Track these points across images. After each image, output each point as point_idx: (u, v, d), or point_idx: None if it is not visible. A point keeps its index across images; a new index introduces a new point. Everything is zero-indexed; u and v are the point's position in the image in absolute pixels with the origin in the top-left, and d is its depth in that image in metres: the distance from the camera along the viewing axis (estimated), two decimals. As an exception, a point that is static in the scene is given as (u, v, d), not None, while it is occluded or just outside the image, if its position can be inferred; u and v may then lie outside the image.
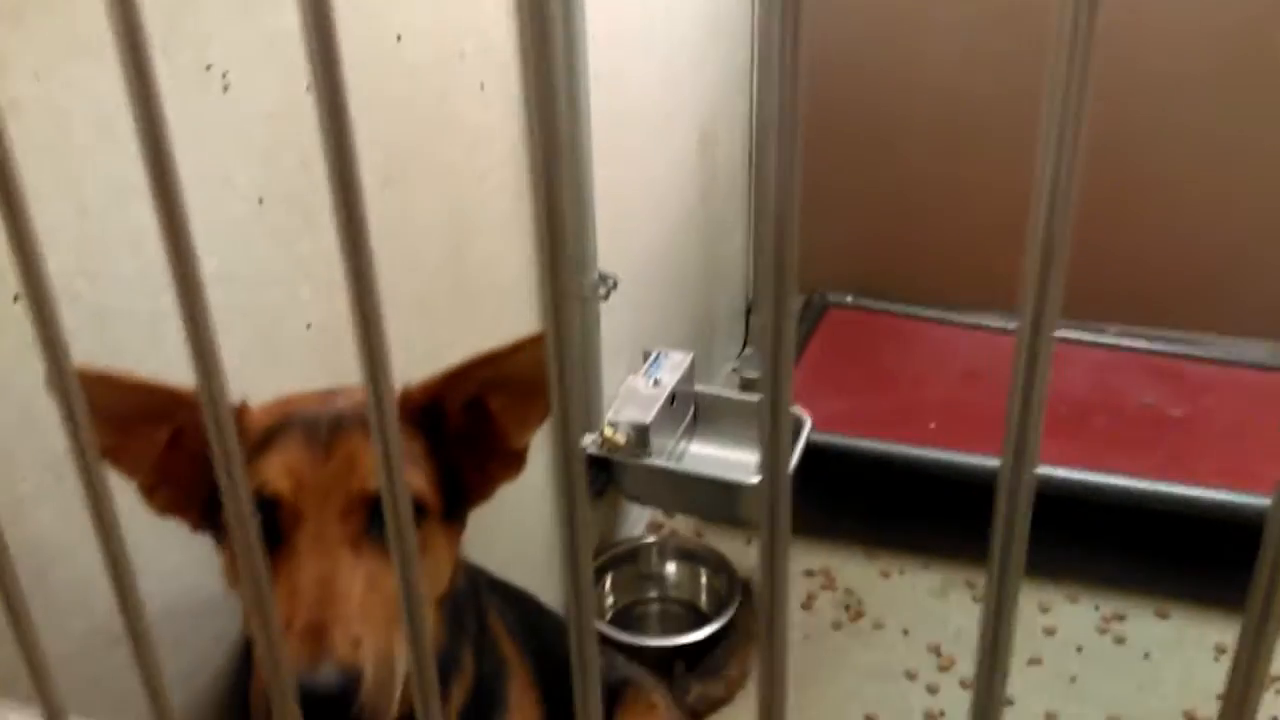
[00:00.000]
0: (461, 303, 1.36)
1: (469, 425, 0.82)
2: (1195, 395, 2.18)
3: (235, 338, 0.97)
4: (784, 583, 0.33)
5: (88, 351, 0.82)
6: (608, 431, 1.76)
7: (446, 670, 0.88)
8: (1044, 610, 1.85)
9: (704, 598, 1.93)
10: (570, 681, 1.15)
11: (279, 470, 0.72)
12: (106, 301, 0.82)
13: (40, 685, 0.42)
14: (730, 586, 1.85)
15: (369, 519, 0.74)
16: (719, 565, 1.91)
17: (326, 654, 0.66)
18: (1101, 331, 2.36)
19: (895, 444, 2.00)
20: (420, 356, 1.30)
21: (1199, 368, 2.26)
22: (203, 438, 0.77)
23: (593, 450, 1.78)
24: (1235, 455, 1.98)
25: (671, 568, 1.98)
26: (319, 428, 0.75)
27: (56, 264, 0.80)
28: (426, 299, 1.30)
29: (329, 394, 0.81)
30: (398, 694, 0.73)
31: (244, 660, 0.96)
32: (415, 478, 0.77)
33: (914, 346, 2.45)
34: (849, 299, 2.57)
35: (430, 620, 0.80)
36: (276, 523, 0.72)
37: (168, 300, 0.90)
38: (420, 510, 0.77)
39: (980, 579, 1.92)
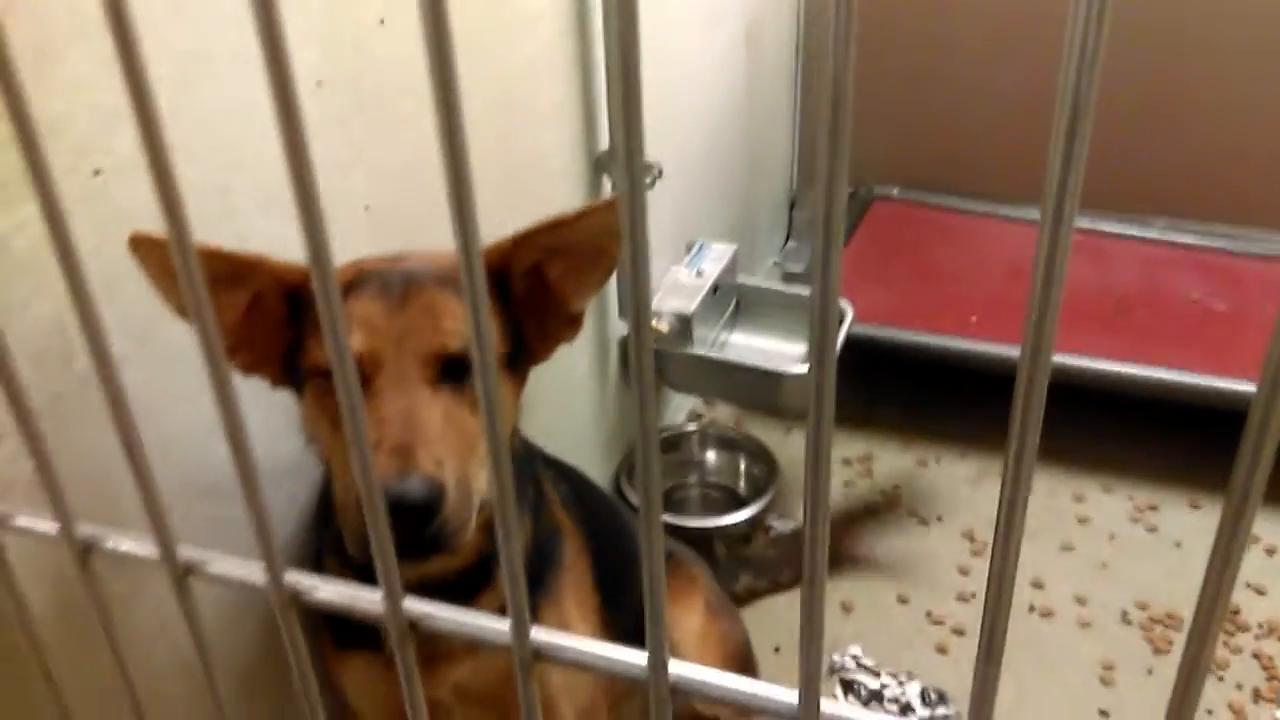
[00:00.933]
0: (509, 188, 1.39)
1: (531, 289, 0.85)
2: (1240, 290, 2.16)
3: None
4: (827, 473, 0.36)
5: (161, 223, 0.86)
6: (651, 320, 1.79)
7: None
8: (1078, 499, 1.89)
9: (742, 484, 1.98)
10: (617, 550, 1.22)
11: (358, 321, 0.77)
12: (180, 175, 0.85)
13: (154, 518, 0.47)
14: (769, 473, 1.90)
15: (441, 367, 0.78)
16: (758, 453, 1.96)
17: (414, 468, 0.71)
18: (1148, 226, 2.33)
19: (936, 336, 2.02)
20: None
21: (1246, 263, 2.24)
22: (278, 298, 0.82)
23: (636, 339, 1.82)
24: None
25: (711, 455, 2.03)
26: (392, 283, 0.79)
27: (131, 140, 0.84)
28: (475, 185, 1.32)
29: (397, 256, 0.85)
30: (474, 519, 0.78)
31: (321, 509, 1.02)
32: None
33: (959, 240, 2.44)
34: (895, 191, 2.56)
35: (508, 453, 0.85)
36: (358, 371, 0.77)
37: (239, 177, 0.94)
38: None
39: (1016, 468, 1.96)
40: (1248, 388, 1.83)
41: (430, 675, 0.94)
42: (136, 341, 0.85)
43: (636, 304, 0.36)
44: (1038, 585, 1.72)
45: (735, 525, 1.77)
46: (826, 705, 0.39)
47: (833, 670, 1.58)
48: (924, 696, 1.52)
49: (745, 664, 1.40)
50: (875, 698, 1.52)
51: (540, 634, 0.43)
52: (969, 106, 2.47)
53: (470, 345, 0.55)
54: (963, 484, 1.95)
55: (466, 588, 0.90)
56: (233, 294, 0.79)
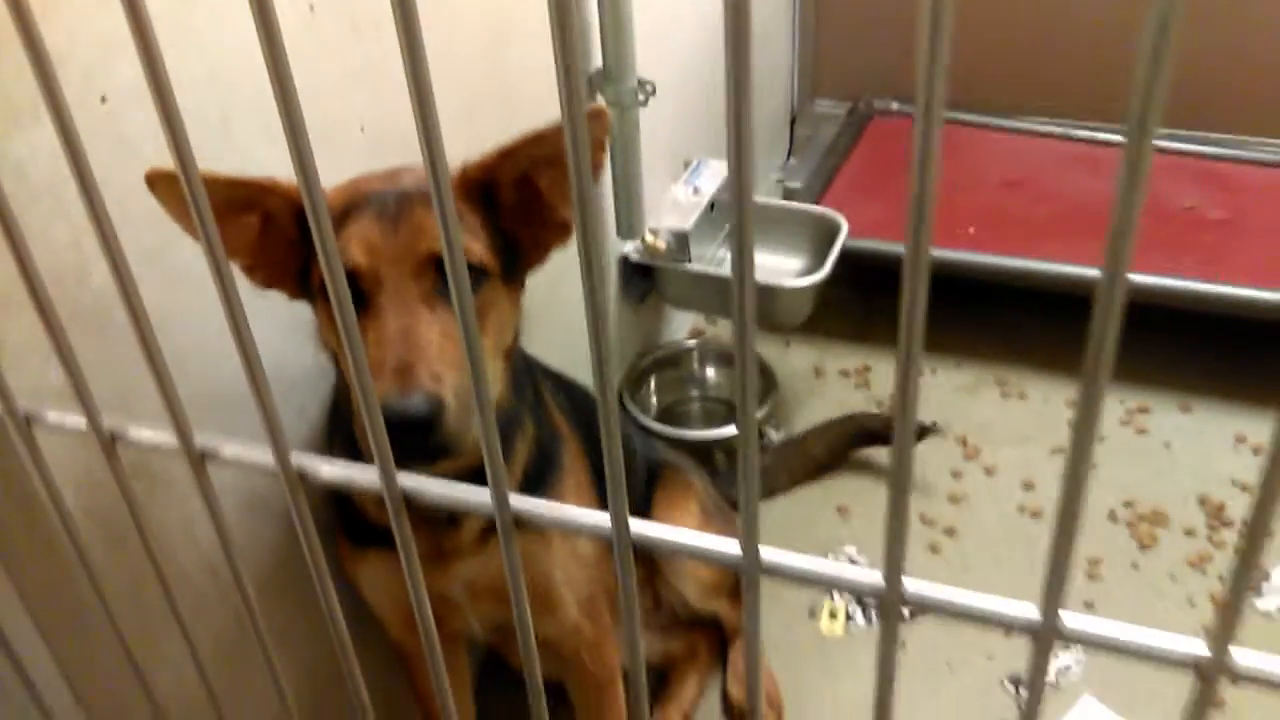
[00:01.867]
0: (503, 112, 1.42)
1: (521, 199, 0.89)
2: (1237, 198, 2.18)
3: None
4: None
5: (159, 155, 0.90)
6: (648, 238, 1.83)
7: (510, 427, 0.98)
8: (1070, 405, 1.94)
9: (744, 397, 2.03)
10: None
11: (356, 242, 0.81)
12: (181, 103, 0.89)
13: (172, 407, 0.52)
14: (766, 387, 1.95)
15: (439, 279, 0.83)
16: (757, 367, 2.01)
17: (414, 385, 0.76)
18: (1148, 135, 2.34)
19: (932, 247, 2.05)
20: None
21: (1242, 170, 2.25)
22: (289, 218, 0.86)
23: (635, 256, 1.86)
24: (1272, 255, 2.00)
25: (711, 370, 2.08)
26: (387, 203, 0.83)
27: (134, 70, 0.88)
28: (471, 109, 1.35)
29: (394, 172, 0.89)
30: (473, 430, 0.83)
31: (333, 414, 1.07)
32: (473, 244, 0.86)
33: (957, 154, 2.45)
34: (894, 105, 2.57)
35: (497, 371, 0.90)
36: (360, 288, 0.82)
37: (237, 100, 0.97)
38: (481, 272, 0.86)
39: (1010, 376, 2.01)
40: (1240, 291, 1.87)
41: (441, 571, 1.01)
42: (148, 264, 0.89)
43: (740, 246, 0.40)
44: (1028, 486, 1.77)
45: (734, 437, 1.83)
46: (765, 552, 0.44)
47: (828, 570, 1.65)
48: (915, 592, 1.59)
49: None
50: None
51: (519, 501, 0.48)
52: (969, 18, 2.46)
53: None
54: (959, 392, 1.99)
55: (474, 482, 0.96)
56: (247, 217, 0.84)
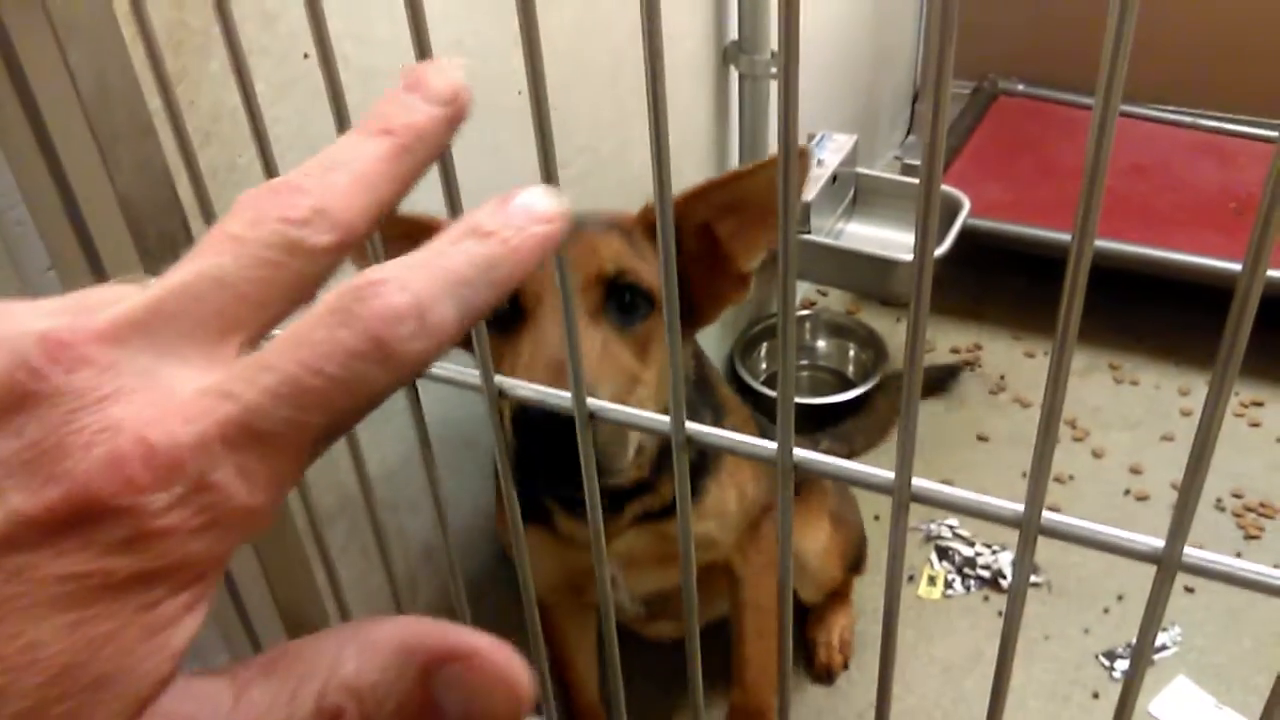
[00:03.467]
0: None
1: (701, 248, 0.85)
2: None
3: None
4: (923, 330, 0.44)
5: (356, 106, 0.99)
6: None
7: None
8: (1183, 394, 1.93)
9: (851, 369, 2.08)
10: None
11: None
12: (371, 62, 0.98)
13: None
14: (877, 360, 1.99)
15: (605, 297, 0.83)
16: (867, 340, 2.05)
17: (565, 383, 0.78)
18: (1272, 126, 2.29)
19: (1051, 230, 2.05)
20: (607, 124, 1.44)
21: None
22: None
23: (756, 225, 1.91)
24: None
25: (822, 341, 2.13)
26: None
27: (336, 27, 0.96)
28: (615, 71, 1.42)
29: None
30: (630, 457, 0.82)
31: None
32: (645, 271, 0.84)
33: (1082, 137, 2.43)
34: (1020, 86, 2.55)
35: (655, 407, 0.86)
36: (520, 306, 0.83)
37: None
38: (652, 302, 0.84)
39: (1124, 362, 2.01)
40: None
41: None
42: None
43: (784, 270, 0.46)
44: (1136, 471, 1.78)
45: (839, 403, 1.88)
46: (917, 482, 0.50)
47: (929, 538, 1.69)
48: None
49: (858, 563, 1.52)
50: (968, 564, 1.63)
51: (693, 428, 0.55)
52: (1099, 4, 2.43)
53: (628, 272, 0.61)
54: (1071, 375, 1.99)
55: (620, 497, 0.99)
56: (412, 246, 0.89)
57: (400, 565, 1.31)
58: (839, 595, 1.51)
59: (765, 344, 2.10)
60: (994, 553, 1.65)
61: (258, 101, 0.53)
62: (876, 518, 1.71)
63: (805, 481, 1.46)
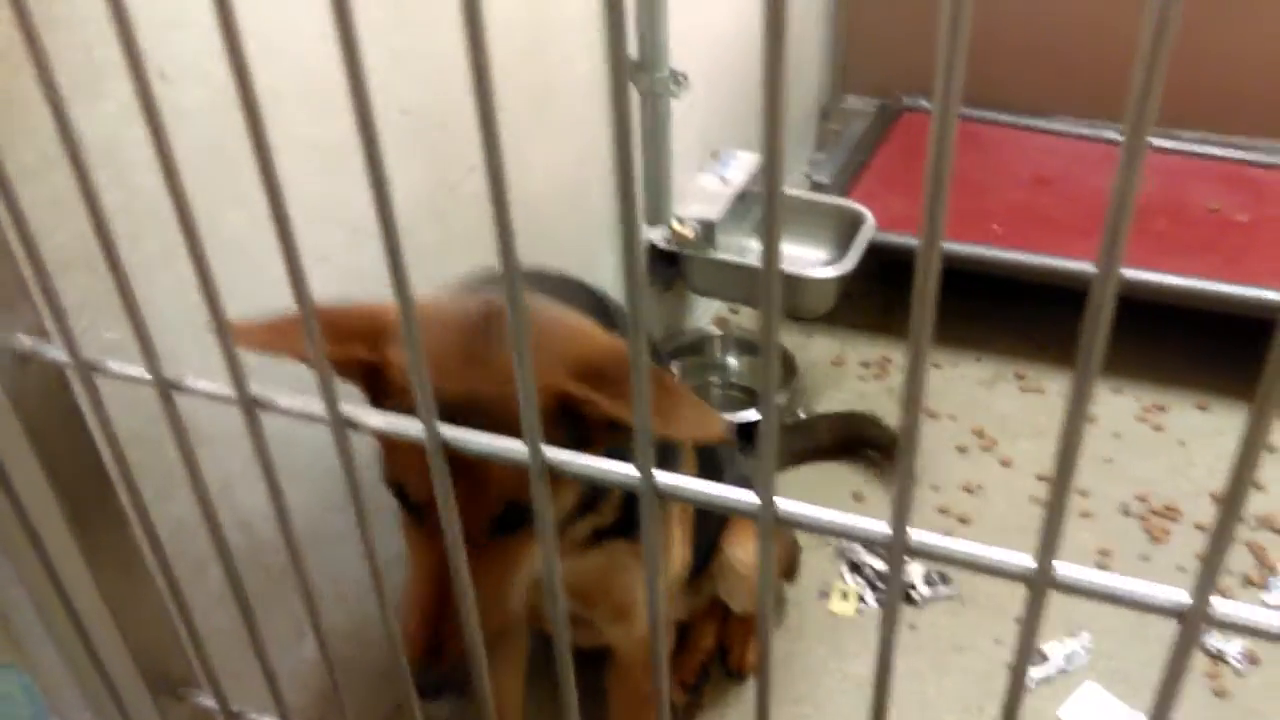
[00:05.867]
0: (539, 99, 1.46)
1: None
2: (1262, 201, 2.19)
3: (343, 120, 1.08)
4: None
5: (219, 125, 0.94)
6: (675, 225, 1.86)
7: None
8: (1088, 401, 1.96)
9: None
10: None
11: (413, 475, 0.82)
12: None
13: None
14: (787, 374, 1.98)
15: (497, 519, 0.83)
16: (779, 356, 2.04)
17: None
18: (1176, 138, 2.35)
19: (959, 244, 2.07)
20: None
21: (1270, 175, 2.26)
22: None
23: (662, 245, 1.89)
24: (1294, 258, 2.01)
25: (733, 358, 2.11)
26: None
27: (190, 46, 0.92)
28: (506, 95, 1.39)
29: (474, 324, 0.83)
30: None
31: None
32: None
33: (987, 152, 2.47)
34: (924, 102, 2.59)
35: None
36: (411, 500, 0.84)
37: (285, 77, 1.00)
38: (525, 518, 0.83)
39: (1028, 371, 2.03)
40: (1262, 293, 1.88)
41: None
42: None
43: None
44: (1042, 479, 1.80)
45: (755, 422, 1.86)
46: (782, 503, 0.47)
47: (841, 554, 1.68)
48: (928, 578, 1.62)
49: (789, 570, 1.58)
50: (881, 579, 1.62)
51: (662, 476, 0.51)
52: (999, 19, 2.47)
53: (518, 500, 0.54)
54: (977, 386, 2.02)
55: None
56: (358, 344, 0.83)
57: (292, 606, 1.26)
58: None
59: (678, 363, 2.08)
60: (906, 566, 1.65)
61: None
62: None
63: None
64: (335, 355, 0.81)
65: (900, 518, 0.47)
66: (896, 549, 0.47)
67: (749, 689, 1.50)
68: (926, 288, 0.41)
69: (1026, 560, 0.46)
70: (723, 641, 1.54)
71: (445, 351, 0.80)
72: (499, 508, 0.82)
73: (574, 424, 0.82)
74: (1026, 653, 0.50)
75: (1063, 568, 0.45)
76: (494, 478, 0.80)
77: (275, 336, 0.78)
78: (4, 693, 0.80)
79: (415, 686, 0.71)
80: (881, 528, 0.47)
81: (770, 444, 0.47)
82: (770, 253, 0.39)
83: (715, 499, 0.49)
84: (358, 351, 0.82)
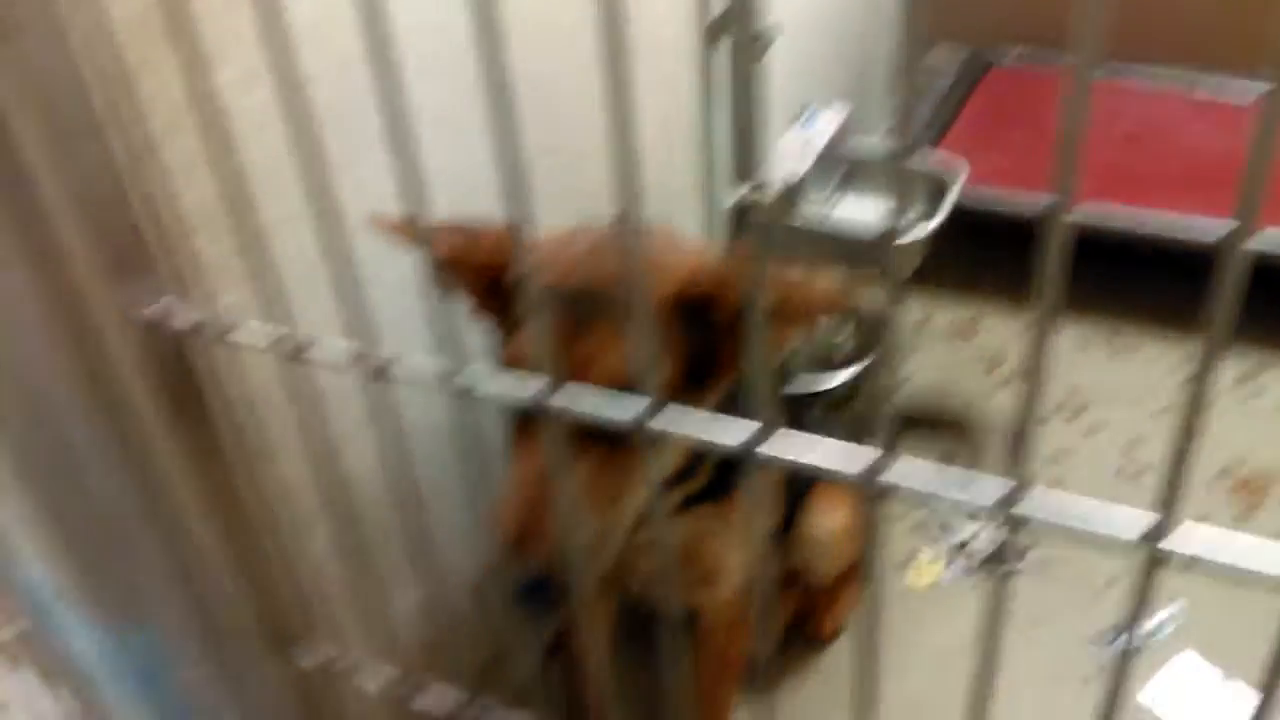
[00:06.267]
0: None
1: (733, 320, 0.85)
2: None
3: (458, 86, 1.10)
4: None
5: (328, 98, 0.96)
6: (752, 193, 1.85)
7: None
8: (1179, 366, 1.91)
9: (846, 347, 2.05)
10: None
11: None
12: (344, 48, 0.95)
13: (358, 323, 0.58)
14: (871, 340, 1.96)
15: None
16: (862, 319, 2.03)
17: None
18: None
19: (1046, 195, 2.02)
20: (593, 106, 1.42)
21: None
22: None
23: (745, 204, 1.88)
24: None
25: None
26: (570, 312, 0.83)
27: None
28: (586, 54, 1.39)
29: (594, 248, 0.87)
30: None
31: None
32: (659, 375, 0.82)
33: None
34: (1013, 54, 2.52)
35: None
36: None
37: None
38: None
39: (1119, 334, 1.99)
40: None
41: None
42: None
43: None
44: (1132, 444, 1.76)
45: (833, 388, 1.85)
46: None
47: (921, 526, 1.68)
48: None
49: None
50: (962, 549, 1.62)
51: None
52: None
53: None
54: (1068, 349, 1.98)
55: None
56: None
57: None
58: (845, 578, 1.50)
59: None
60: (988, 536, 1.64)
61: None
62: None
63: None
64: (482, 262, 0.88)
65: (1017, 486, 0.47)
66: (1008, 517, 0.48)
67: (827, 656, 1.52)
68: (1050, 265, 0.41)
69: (1140, 527, 0.47)
70: (802, 608, 1.54)
71: (573, 255, 0.87)
72: (620, 377, 0.81)
73: (698, 339, 0.85)
74: (1135, 621, 0.51)
75: (1185, 534, 0.46)
76: (605, 349, 0.82)
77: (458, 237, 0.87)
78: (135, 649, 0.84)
79: (509, 583, 0.70)
80: (991, 492, 0.48)
81: (887, 411, 0.48)
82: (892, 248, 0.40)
83: (818, 468, 0.50)
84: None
